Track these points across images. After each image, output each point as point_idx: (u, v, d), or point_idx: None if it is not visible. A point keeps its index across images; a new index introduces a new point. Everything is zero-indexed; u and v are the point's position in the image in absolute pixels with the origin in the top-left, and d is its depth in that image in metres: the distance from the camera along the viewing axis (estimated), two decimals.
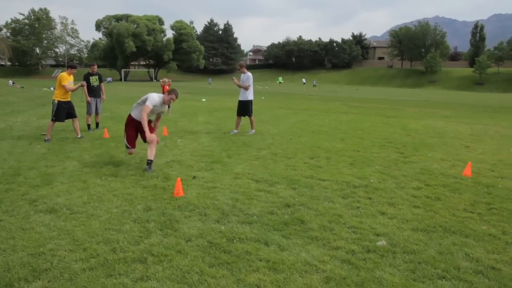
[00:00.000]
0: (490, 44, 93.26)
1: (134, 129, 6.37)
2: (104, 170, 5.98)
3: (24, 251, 3.26)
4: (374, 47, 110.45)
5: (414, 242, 3.60)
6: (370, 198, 4.81)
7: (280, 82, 64.95)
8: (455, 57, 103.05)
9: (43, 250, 3.27)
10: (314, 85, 62.40)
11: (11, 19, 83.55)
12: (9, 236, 3.54)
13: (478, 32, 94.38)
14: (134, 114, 6.31)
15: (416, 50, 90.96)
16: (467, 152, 8.09)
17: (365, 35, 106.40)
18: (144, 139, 6.22)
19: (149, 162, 6.04)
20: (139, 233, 3.65)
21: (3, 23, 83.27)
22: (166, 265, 3.06)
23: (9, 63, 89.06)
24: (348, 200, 4.74)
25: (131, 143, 6.39)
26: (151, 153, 6.07)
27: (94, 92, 10.19)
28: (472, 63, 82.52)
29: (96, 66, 10.58)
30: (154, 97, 6.09)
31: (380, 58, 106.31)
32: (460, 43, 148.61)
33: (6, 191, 4.84)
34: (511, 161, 7.25)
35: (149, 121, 6.24)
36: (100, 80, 10.40)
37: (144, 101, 6.09)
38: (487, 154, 7.96)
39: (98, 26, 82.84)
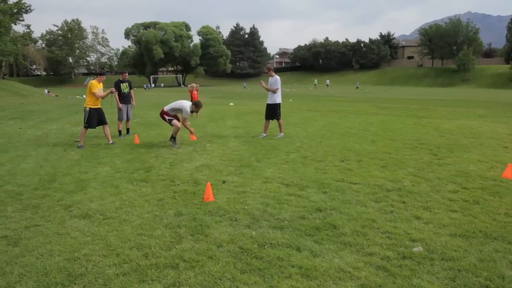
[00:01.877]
0: None
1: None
2: (135, 175, 6.08)
3: (61, 256, 3.34)
4: (403, 46, 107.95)
5: (453, 248, 3.44)
6: (404, 202, 4.66)
7: (315, 84, 63.94)
8: (489, 53, 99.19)
9: (78, 255, 3.34)
10: (327, 85, 61.65)
11: (46, 30, 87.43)
12: (46, 241, 3.64)
13: None
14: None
15: (447, 48, 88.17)
16: (506, 153, 7.73)
17: (393, 34, 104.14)
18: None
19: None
20: (171, 239, 3.67)
21: (39, 35, 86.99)
22: (198, 271, 3.06)
23: (44, 73, 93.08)
24: (381, 204, 4.60)
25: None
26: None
27: (125, 98, 10.42)
28: (508, 60, 79.13)
29: (127, 74, 10.82)
30: (187, 109, 8.45)
31: (410, 58, 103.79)
32: (495, 39, 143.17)
33: (43, 197, 5.00)
34: None
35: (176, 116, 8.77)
36: (130, 87, 10.63)
37: (181, 110, 8.53)
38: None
39: (127, 34, 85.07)
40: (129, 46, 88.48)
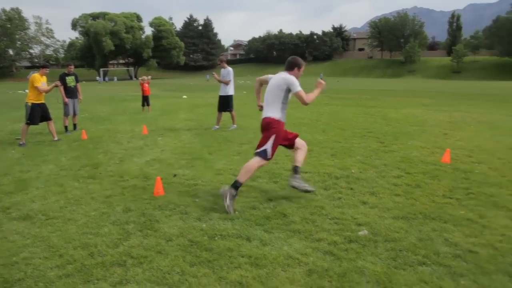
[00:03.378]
0: (466, 33, 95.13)
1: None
2: (82, 172, 5.84)
3: None
4: (354, 39, 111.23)
5: (395, 230, 3.62)
6: (351, 189, 4.83)
7: None
8: (433, 46, 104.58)
9: (16, 259, 3.16)
10: (321, 78, 61.71)
11: None
12: None
13: (454, 21, 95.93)
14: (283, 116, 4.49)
15: (395, 40, 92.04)
16: (445, 139, 8.21)
17: (345, 27, 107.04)
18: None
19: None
20: (118, 236, 3.56)
21: None
22: (146, 267, 3.00)
23: None
24: (330, 191, 4.74)
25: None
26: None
27: (71, 93, 9.94)
28: (449, 52, 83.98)
29: (72, 67, 10.31)
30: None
31: (361, 49, 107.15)
32: (437, 32, 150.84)
33: None
34: (488, 147, 7.38)
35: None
36: (77, 81, 10.15)
37: (292, 86, 4.37)
38: (465, 140, 8.09)
39: (74, 25, 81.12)
40: (76, 38, 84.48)
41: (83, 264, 3.05)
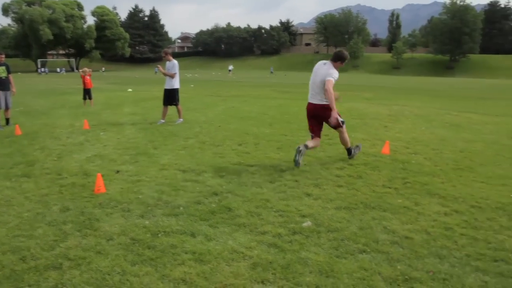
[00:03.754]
0: (405, 31, 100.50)
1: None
2: (15, 170, 5.44)
3: None
4: (301, 34, 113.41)
5: (338, 220, 3.73)
6: (296, 181, 4.91)
7: (230, 70, 62.04)
8: (375, 43, 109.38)
9: None
10: (271, 72, 61.10)
11: None
12: None
13: (394, 20, 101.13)
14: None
15: (340, 36, 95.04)
16: (385, 132, 8.61)
17: (292, 22, 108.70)
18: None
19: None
20: (54, 237, 3.36)
21: None
22: (84, 269, 2.85)
23: None
24: (276, 184, 4.79)
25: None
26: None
27: (2, 84, 9.22)
28: (390, 49, 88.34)
29: (3, 56, 9.54)
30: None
31: (307, 44, 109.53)
32: (379, 30, 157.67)
33: None
34: (423, 138, 7.85)
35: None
36: (8, 71, 9.43)
37: (328, 75, 5.45)
38: (403, 132, 8.54)
39: (5, 10, 75.19)
40: (9, 25, 78.42)
41: (13, 269, 2.84)
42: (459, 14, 77.71)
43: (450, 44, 77.22)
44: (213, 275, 2.77)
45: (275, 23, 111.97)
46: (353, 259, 3.02)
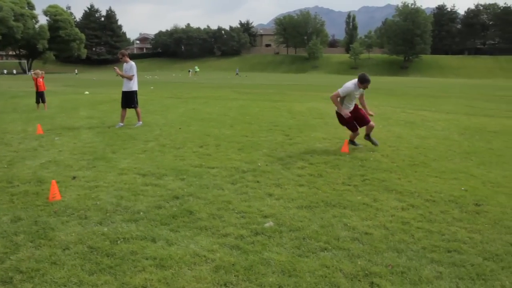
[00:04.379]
0: (361, 32, 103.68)
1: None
2: None
3: None
4: (261, 35, 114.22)
5: (299, 219, 3.77)
6: (258, 182, 4.93)
7: (196, 72, 60.91)
8: (333, 44, 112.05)
9: None
10: (237, 74, 59.81)
11: None
12: None
13: (351, 21, 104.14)
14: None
15: (299, 37, 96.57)
16: (345, 130, 8.78)
17: (252, 23, 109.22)
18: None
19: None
20: (4, 249, 3.17)
21: None
22: (37, 281, 2.71)
23: None
24: (237, 185, 4.78)
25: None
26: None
27: None
28: (348, 50, 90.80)
29: None
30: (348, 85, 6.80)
31: (267, 45, 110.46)
32: (337, 31, 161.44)
33: None
34: (380, 136, 8.11)
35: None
36: None
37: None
38: (361, 131, 8.76)
39: None
40: None
41: None
42: (411, 16, 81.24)
43: (403, 45, 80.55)
44: (174, 281, 2.72)
45: (235, 24, 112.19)
46: (315, 257, 3.06)
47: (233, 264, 2.93)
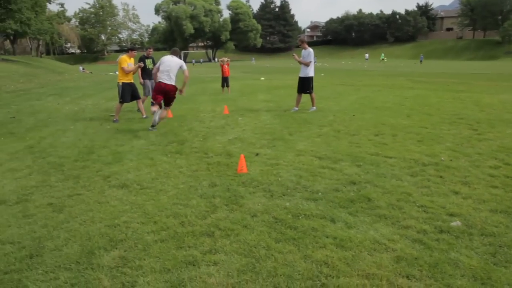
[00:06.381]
0: None
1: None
2: (169, 148, 6.20)
3: (102, 222, 3.49)
4: (442, 18, 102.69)
5: (493, 224, 3.33)
6: (441, 177, 4.53)
7: (382, 59, 60.03)
8: None
9: (118, 222, 3.48)
10: (421, 61, 55.64)
11: (79, 8, 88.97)
12: (88, 209, 3.81)
13: None
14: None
15: (491, 18, 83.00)
16: None
17: (431, 4, 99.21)
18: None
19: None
20: (206, 208, 3.75)
21: (72, 13, 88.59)
22: (233, 239, 3.12)
23: (78, 51, 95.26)
24: (417, 178, 4.49)
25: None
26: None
27: (149, 74, 10.46)
28: None
29: (151, 50, 10.89)
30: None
31: (449, 29, 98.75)
32: None
33: (82, 168, 5.21)
34: None
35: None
36: (153, 63, 10.66)
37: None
38: None
39: (157, 10, 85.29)
40: (159, 22, 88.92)
41: (176, 231, 3.26)
42: None
43: None
44: (355, 262, 2.75)
45: (412, 7, 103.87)
46: None
47: (415, 258, 2.79)
